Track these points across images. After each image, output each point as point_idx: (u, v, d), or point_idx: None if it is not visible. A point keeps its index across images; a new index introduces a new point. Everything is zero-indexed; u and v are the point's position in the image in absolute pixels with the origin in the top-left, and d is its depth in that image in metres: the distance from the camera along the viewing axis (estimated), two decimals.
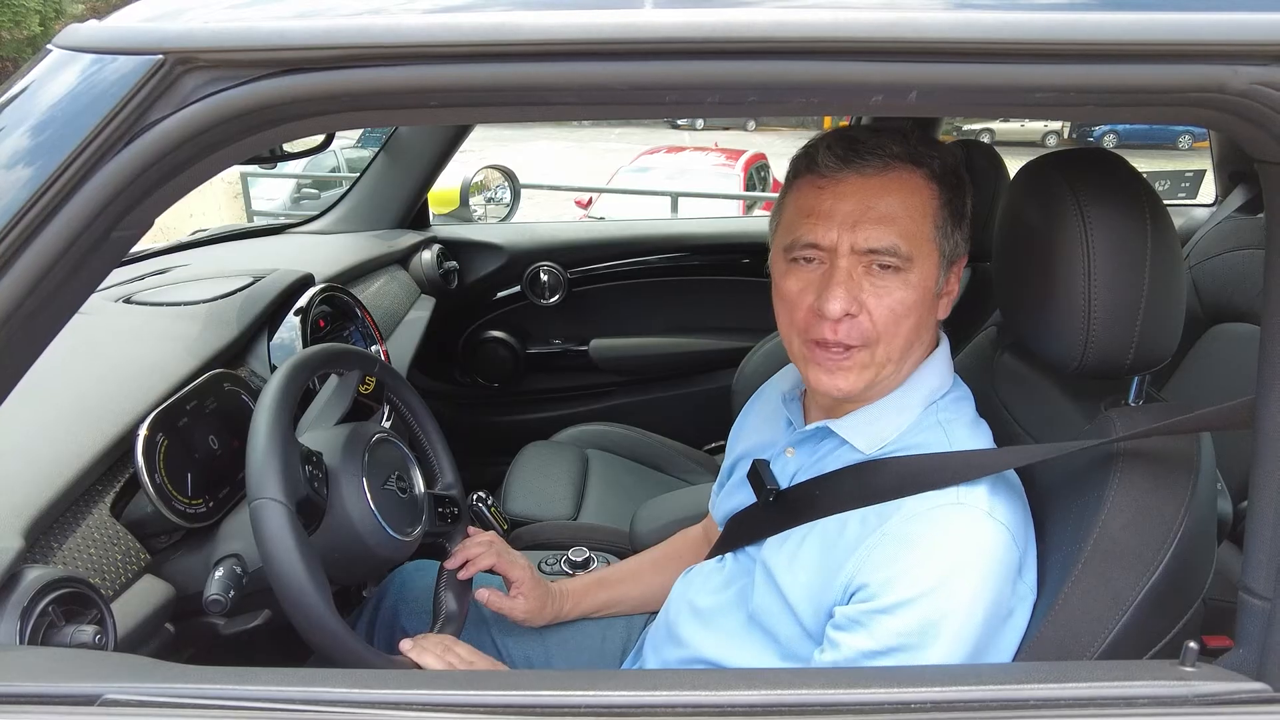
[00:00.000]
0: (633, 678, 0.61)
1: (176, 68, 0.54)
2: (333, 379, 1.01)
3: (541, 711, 0.50)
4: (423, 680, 0.64)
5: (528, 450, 1.74)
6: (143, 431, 0.86)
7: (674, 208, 5.04)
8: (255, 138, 0.59)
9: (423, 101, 0.57)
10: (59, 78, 0.56)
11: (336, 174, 7.48)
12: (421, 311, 1.79)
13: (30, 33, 23.39)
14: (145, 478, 0.84)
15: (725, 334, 2.03)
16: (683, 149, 9.22)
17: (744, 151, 8.21)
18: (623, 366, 2.10)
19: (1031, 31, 0.52)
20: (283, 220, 2.82)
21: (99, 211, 0.56)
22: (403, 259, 1.84)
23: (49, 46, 0.60)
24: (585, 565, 1.39)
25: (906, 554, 0.74)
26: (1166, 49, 0.52)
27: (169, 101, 0.55)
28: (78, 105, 0.55)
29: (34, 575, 0.70)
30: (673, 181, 6.68)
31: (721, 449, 1.27)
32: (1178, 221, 1.93)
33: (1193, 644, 0.55)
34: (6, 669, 0.59)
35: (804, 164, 0.80)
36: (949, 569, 0.73)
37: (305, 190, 7.60)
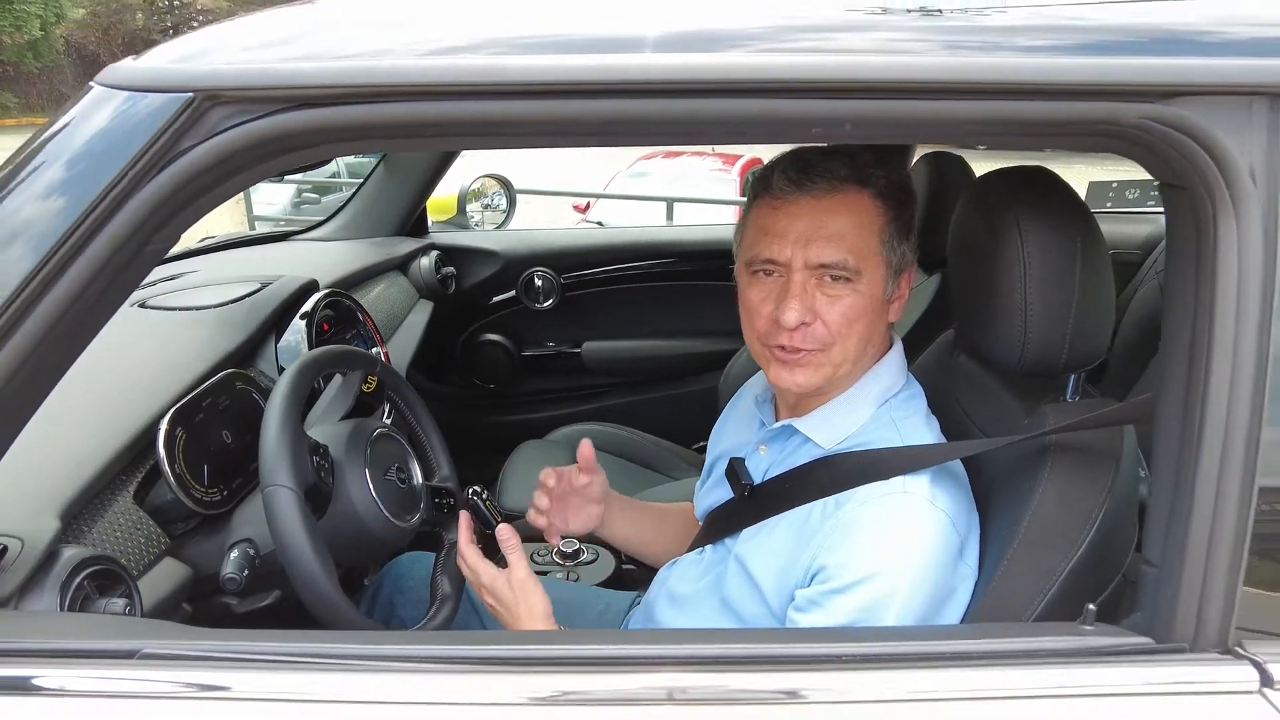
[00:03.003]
0: (608, 636, 0.69)
1: (205, 103, 0.62)
2: (337, 378, 1.09)
3: (521, 662, 0.58)
4: (419, 638, 0.71)
5: (522, 449, 1.81)
6: (164, 425, 0.94)
7: (669, 213, 5.10)
8: (271, 163, 0.66)
9: (418, 133, 0.65)
10: (102, 111, 0.64)
11: (337, 179, 7.53)
12: (420, 315, 1.86)
13: (31, 37, 23.47)
14: (166, 467, 0.92)
15: (712, 337, 2.09)
16: (680, 153, 9.28)
17: (740, 156, 8.27)
18: (614, 368, 2.17)
19: (955, 73, 0.60)
20: (283, 226, 2.89)
21: (136, 229, 0.63)
22: (402, 265, 1.92)
23: (92, 84, 0.68)
24: (575, 556, 1.47)
25: (857, 538, 0.82)
26: (1068, 88, 0.59)
27: (197, 132, 0.62)
28: (119, 136, 0.62)
29: (70, 553, 0.78)
30: (670, 186, 6.74)
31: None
32: (1147, 229, 2.00)
33: (1091, 606, 0.62)
34: (53, 630, 0.66)
35: (762, 186, 0.88)
36: (894, 551, 0.80)
37: (306, 195, 7.64)
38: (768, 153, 0.98)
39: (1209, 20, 0.61)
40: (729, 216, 6.11)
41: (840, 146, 0.87)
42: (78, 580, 0.76)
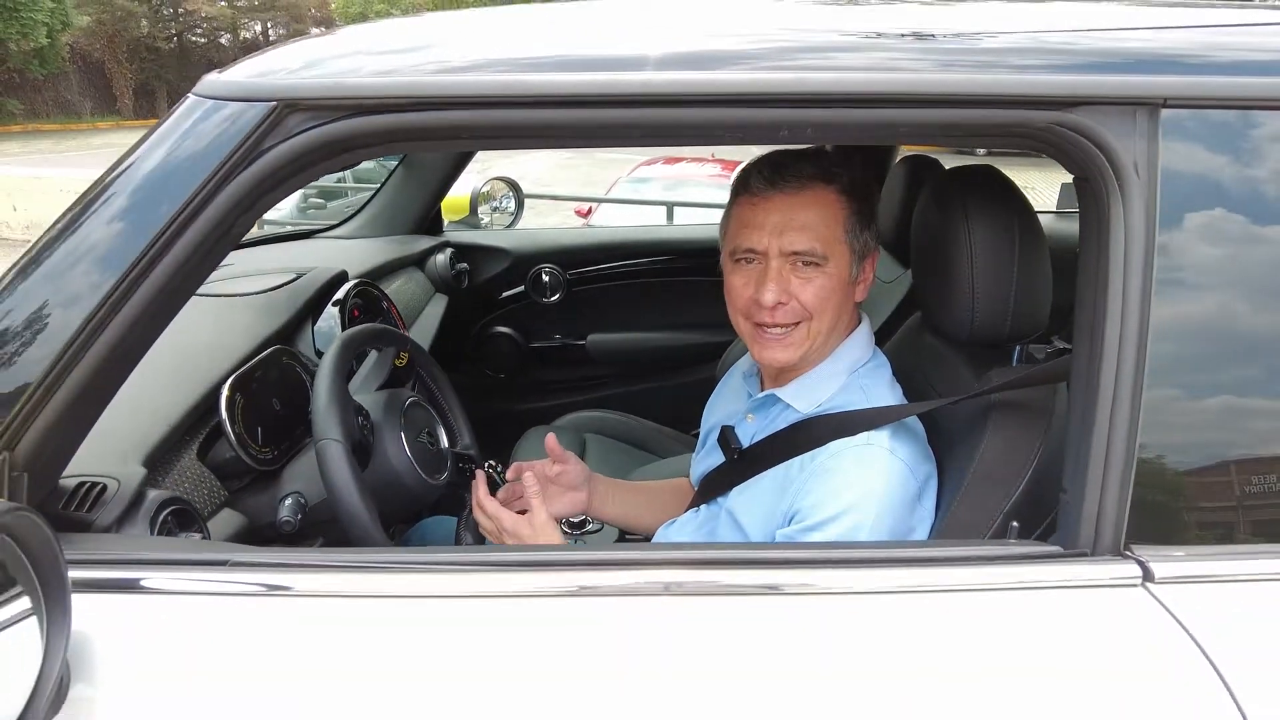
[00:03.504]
0: (615, 547, 0.81)
1: (284, 111, 0.75)
2: (372, 354, 1.23)
3: (543, 564, 0.72)
4: (454, 551, 0.85)
5: (531, 434, 1.94)
6: (225, 391, 1.07)
7: (669, 217, 5.23)
8: (336, 159, 0.80)
9: (458, 135, 0.78)
10: (200, 118, 0.77)
11: (342, 184, 7.71)
12: (436, 308, 2.00)
13: (38, 44, 23.65)
14: (228, 427, 1.06)
15: (708, 329, 2.21)
16: (680, 159, 9.42)
17: (740, 162, 8.39)
18: (616, 359, 2.30)
19: (894, 86, 0.74)
20: (289, 228, 3.03)
21: (226, 214, 0.77)
22: (419, 261, 2.05)
23: (190, 95, 0.81)
24: (581, 525, 1.60)
25: (828, 483, 0.95)
26: (990, 99, 0.73)
27: (277, 135, 0.75)
28: (214, 138, 0.76)
29: (155, 493, 0.91)
30: (670, 192, 6.89)
31: None
32: None
33: (1015, 524, 0.76)
34: (156, 546, 0.80)
35: (741, 185, 1.01)
36: (860, 492, 0.93)
37: (312, 200, 7.77)
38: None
39: (1103, 43, 0.74)
40: None
41: (808, 149, 1.01)
42: (162, 516, 0.90)
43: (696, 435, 2.13)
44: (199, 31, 35.06)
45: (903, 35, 0.76)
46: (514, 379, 2.31)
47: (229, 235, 0.80)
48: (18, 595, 0.64)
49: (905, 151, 1.88)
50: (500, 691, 0.67)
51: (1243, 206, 0.71)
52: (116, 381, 0.81)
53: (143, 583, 0.74)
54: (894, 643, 0.69)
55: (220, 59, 35.94)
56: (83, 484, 0.85)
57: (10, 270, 0.82)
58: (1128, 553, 0.70)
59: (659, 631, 0.70)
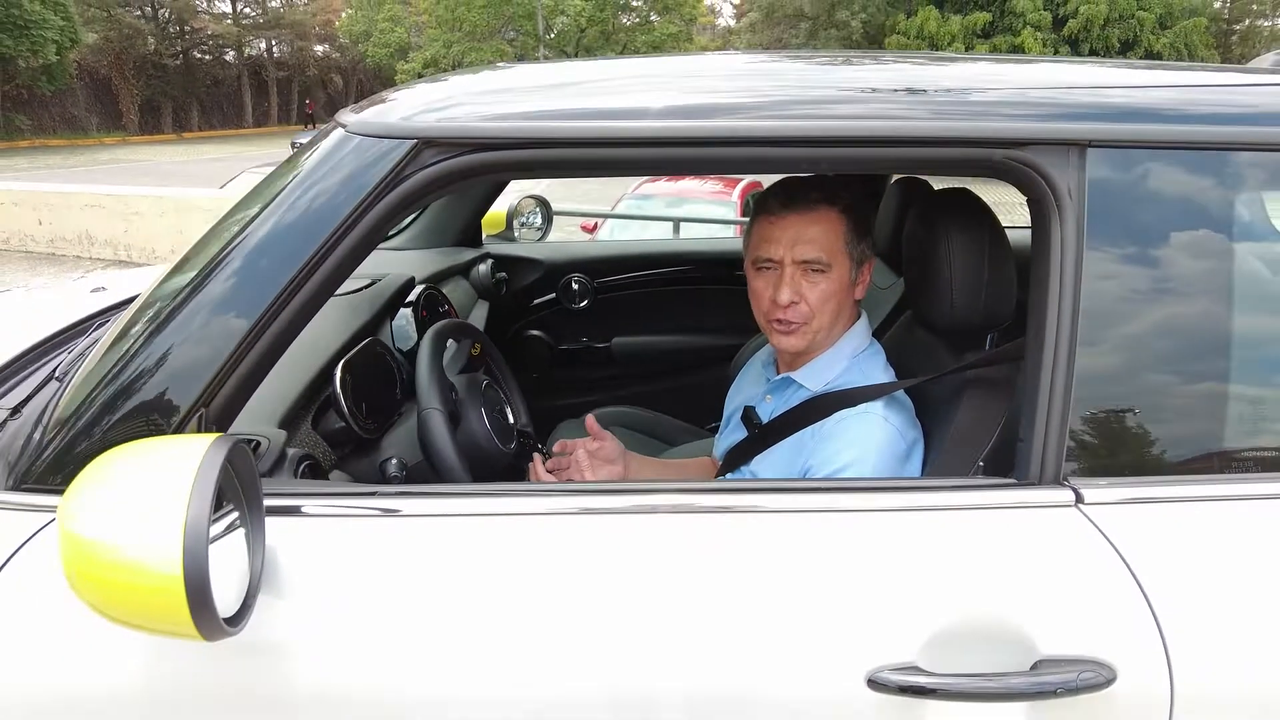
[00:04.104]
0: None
1: (422, 146, 0.98)
2: (452, 344, 1.45)
3: (566, 491, 0.95)
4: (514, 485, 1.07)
5: (561, 427, 2.16)
6: (338, 373, 1.30)
7: (675, 230, 5.48)
8: (454, 186, 1.02)
9: (555, 167, 1.02)
10: (354, 149, 0.99)
11: None
12: (480, 312, 2.22)
13: (46, 61, 23.97)
14: (342, 402, 1.28)
15: (721, 333, 2.43)
16: (680, 178, 9.71)
17: (739, 181, 8.68)
18: (638, 360, 2.52)
19: (888, 131, 0.97)
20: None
21: (371, 228, 0.99)
22: (464, 270, 2.28)
23: (340, 129, 1.04)
24: None
25: (832, 444, 1.18)
26: (960, 140, 0.96)
27: (415, 165, 0.98)
28: (365, 167, 0.97)
29: (294, 450, 1.14)
30: (673, 208, 7.16)
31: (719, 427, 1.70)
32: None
33: (981, 463, 0.98)
34: (309, 486, 1.02)
35: (761, 206, 1.25)
36: (858, 450, 1.16)
37: None
38: (765, 180, 1.36)
39: (1045, 97, 0.97)
40: (729, 233, 6.50)
41: (815, 177, 1.24)
42: (300, 468, 1.12)
43: (711, 428, 2.38)
44: (204, 48, 35.42)
45: (894, 90, 0.99)
46: (545, 378, 2.52)
47: (369, 246, 1.03)
48: (231, 511, 0.86)
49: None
50: (545, 571, 0.91)
51: (1148, 221, 0.94)
52: (276, 359, 1.03)
53: (303, 509, 0.96)
54: (877, 552, 0.92)
55: (224, 75, 36.37)
56: (247, 439, 1.07)
57: (200, 271, 1.04)
58: (1064, 482, 0.93)
59: (660, 534, 0.93)
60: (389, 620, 0.90)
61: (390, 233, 2.60)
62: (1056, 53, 21.36)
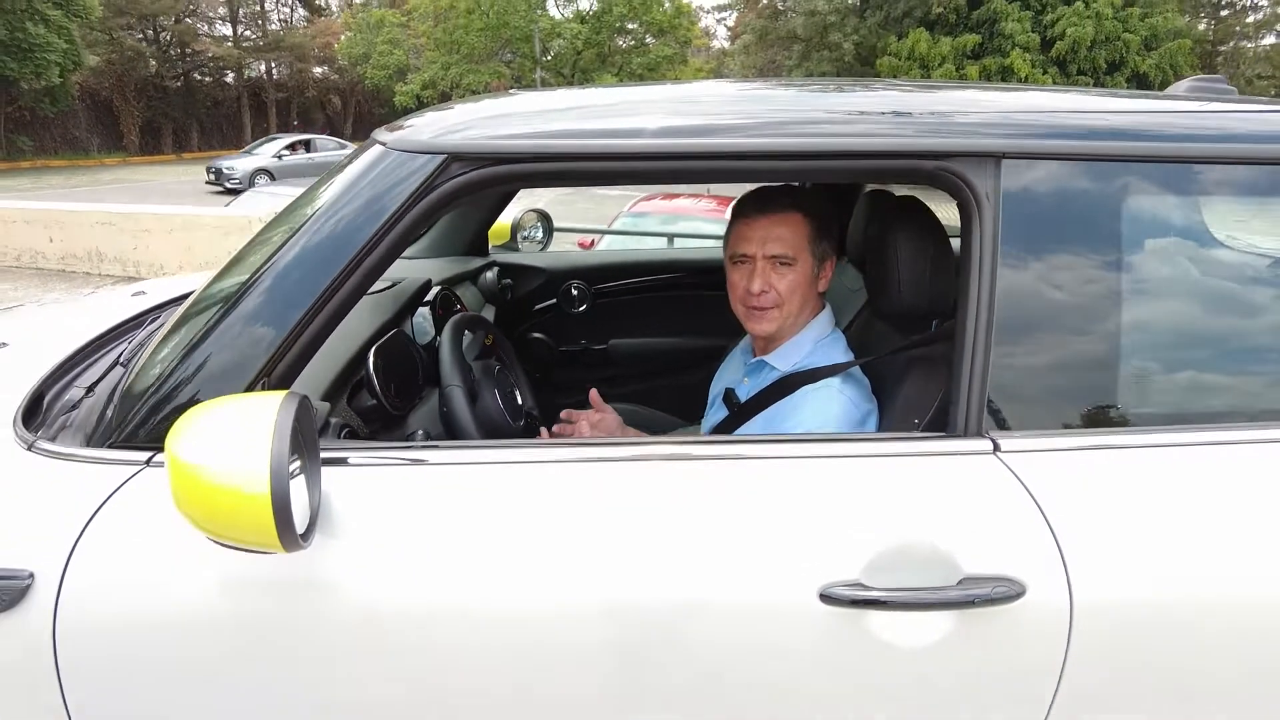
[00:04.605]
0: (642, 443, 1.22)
1: (450, 160, 1.17)
2: (468, 335, 1.65)
3: (570, 445, 1.14)
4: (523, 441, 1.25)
5: (563, 413, 2.35)
6: (372, 358, 1.49)
7: (670, 245, 5.70)
8: (473, 196, 1.22)
9: (560, 175, 1.21)
10: (392, 163, 1.19)
11: None
12: (486, 315, 2.42)
13: (49, 83, 24.26)
14: (375, 382, 1.48)
15: (710, 335, 2.61)
16: (678, 195, 9.97)
17: (733, 199, 8.93)
18: (633, 360, 2.71)
19: (830, 145, 1.16)
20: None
21: (409, 228, 1.19)
22: (473, 277, 2.48)
23: (379, 145, 1.23)
24: None
25: (797, 413, 1.38)
26: (897, 153, 1.16)
27: (445, 176, 1.17)
28: (401, 179, 1.17)
29: (335, 420, 1.33)
30: (668, 225, 7.40)
31: None
32: None
33: (917, 420, 1.18)
34: (352, 443, 1.21)
35: (739, 209, 1.46)
36: (820, 420, 1.35)
37: None
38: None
39: (969, 118, 1.17)
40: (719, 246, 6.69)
41: (784, 185, 1.45)
42: (341, 435, 1.31)
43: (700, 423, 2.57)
44: (205, 70, 35.79)
45: (847, 112, 1.20)
46: (546, 378, 2.71)
47: (404, 244, 1.22)
48: (296, 459, 1.05)
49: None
50: (551, 505, 1.10)
51: (1052, 220, 1.14)
52: (324, 339, 1.22)
53: (350, 460, 1.15)
54: (831, 491, 1.11)
55: (224, 97, 36.74)
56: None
57: (260, 266, 1.23)
58: (985, 434, 1.12)
59: (653, 477, 1.12)
60: (418, 547, 1.09)
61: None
62: (1045, 73, 21.75)
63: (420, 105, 31.20)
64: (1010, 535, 1.08)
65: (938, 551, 1.07)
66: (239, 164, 20.09)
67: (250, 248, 1.44)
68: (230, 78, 36.90)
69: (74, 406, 1.37)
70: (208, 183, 20.20)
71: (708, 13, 40.59)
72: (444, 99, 31.10)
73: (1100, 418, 1.13)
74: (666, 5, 29.62)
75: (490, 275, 2.50)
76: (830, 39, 24.27)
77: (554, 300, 2.67)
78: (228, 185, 19.08)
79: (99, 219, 7.66)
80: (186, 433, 0.96)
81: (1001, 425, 1.13)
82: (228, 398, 1.02)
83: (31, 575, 1.10)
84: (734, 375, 1.65)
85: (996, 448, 1.12)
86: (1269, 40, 28.25)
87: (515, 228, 2.79)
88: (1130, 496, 1.10)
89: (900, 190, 1.59)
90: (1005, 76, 21.53)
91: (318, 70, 39.28)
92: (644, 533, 1.09)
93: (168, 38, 33.57)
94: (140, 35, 32.31)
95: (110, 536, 1.11)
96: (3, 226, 7.97)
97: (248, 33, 37.02)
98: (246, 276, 1.21)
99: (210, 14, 35.23)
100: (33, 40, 22.82)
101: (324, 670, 1.10)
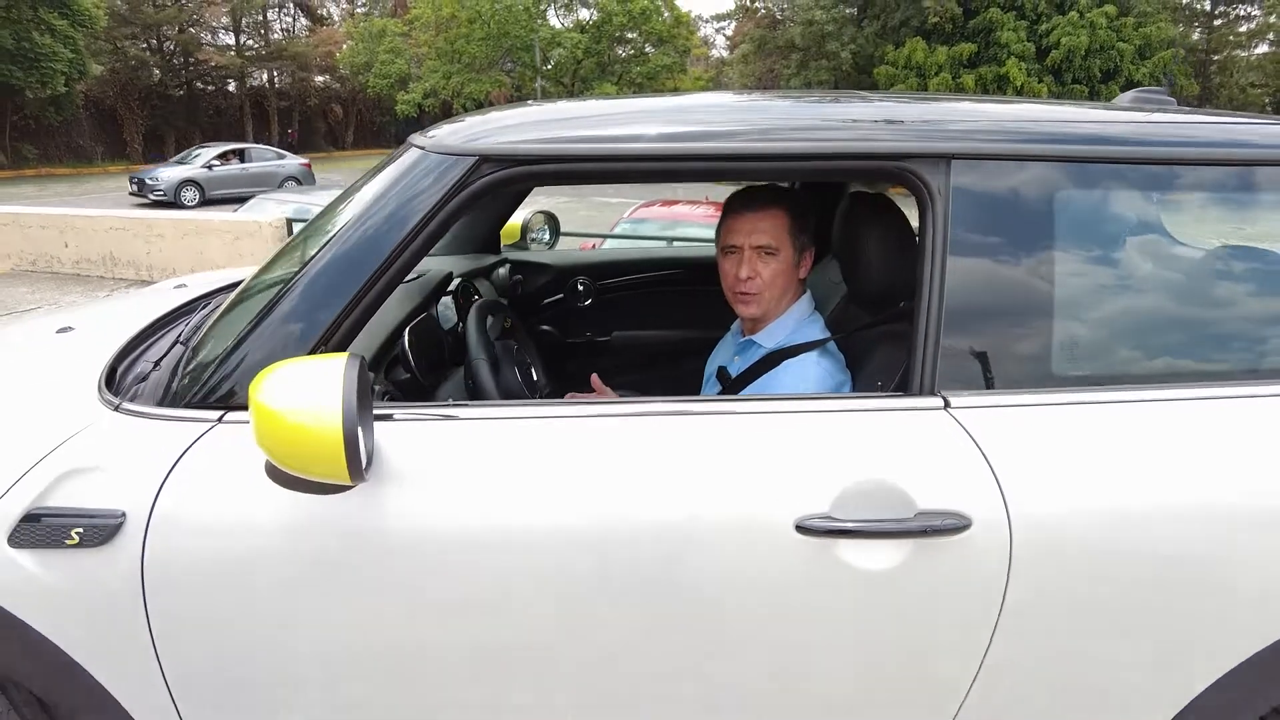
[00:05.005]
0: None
1: (480, 162, 1.37)
2: (490, 318, 1.85)
3: (579, 404, 1.34)
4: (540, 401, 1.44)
5: (568, 396, 2.55)
6: (407, 336, 1.69)
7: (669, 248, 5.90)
8: (501, 191, 1.42)
9: (577, 175, 1.41)
10: (430, 165, 1.38)
11: None
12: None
13: (55, 92, 24.52)
14: (410, 358, 1.67)
15: (706, 327, 2.80)
16: (676, 202, 10.21)
17: None
18: (635, 351, 2.90)
19: (807, 149, 1.37)
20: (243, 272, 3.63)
21: (444, 221, 1.38)
22: (486, 273, 2.68)
23: (416, 149, 1.43)
24: None
25: (778, 384, 1.58)
26: (862, 156, 1.36)
27: (476, 175, 1.37)
28: (439, 177, 1.36)
29: (379, 386, 1.52)
30: (668, 230, 7.63)
31: None
32: None
33: (880, 383, 1.38)
34: (395, 404, 1.41)
35: (727, 206, 1.66)
36: (798, 386, 1.55)
37: None
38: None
39: (925, 125, 1.37)
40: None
41: (768, 184, 1.65)
42: (384, 396, 1.51)
43: None
44: (207, 79, 36.08)
45: (825, 120, 1.40)
46: (553, 367, 2.91)
47: (440, 235, 1.41)
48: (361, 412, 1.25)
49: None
50: (564, 451, 1.29)
51: (994, 211, 1.33)
52: (372, 314, 1.41)
53: (395, 416, 1.34)
54: (807, 441, 1.30)
55: (226, 105, 37.07)
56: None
57: (314, 253, 1.42)
58: (937, 393, 1.32)
59: (654, 430, 1.31)
60: (453, 486, 1.28)
61: None
62: (1040, 81, 22.00)
63: (422, 114, 31.56)
64: (958, 477, 1.27)
65: (896, 489, 1.26)
66: (165, 174, 18.71)
67: (298, 241, 1.64)
68: (233, 86, 37.21)
69: (144, 378, 1.56)
70: (131, 193, 18.95)
71: (706, 22, 40.94)
72: (445, 107, 31.46)
73: (1034, 379, 1.32)
74: (666, 15, 29.94)
75: (502, 272, 2.70)
76: (828, 48, 24.54)
77: (561, 295, 2.86)
78: (152, 197, 18.03)
79: (112, 224, 7.86)
80: (268, 383, 1.15)
81: (951, 386, 1.32)
82: (299, 358, 1.22)
83: (124, 515, 1.29)
84: (726, 354, 1.85)
85: (947, 404, 1.31)
86: (1262, 49, 28.56)
87: (525, 228, 2.99)
88: (1059, 445, 1.29)
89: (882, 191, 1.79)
90: (1001, 85, 21.82)
91: (319, 79, 39.59)
92: (646, 475, 1.28)
93: (171, 47, 33.87)
94: (144, 45, 32.60)
95: (189, 481, 1.31)
96: (19, 232, 8.18)
97: (250, 42, 37.35)
98: (303, 262, 1.41)
99: (213, 23, 35.56)
100: (39, 50, 23.09)
101: (376, 592, 1.29)
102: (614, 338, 2.88)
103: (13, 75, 23.14)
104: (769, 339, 1.69)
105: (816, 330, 1.67)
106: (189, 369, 1.43)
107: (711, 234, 6.13)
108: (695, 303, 2.84)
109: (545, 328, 2.88)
